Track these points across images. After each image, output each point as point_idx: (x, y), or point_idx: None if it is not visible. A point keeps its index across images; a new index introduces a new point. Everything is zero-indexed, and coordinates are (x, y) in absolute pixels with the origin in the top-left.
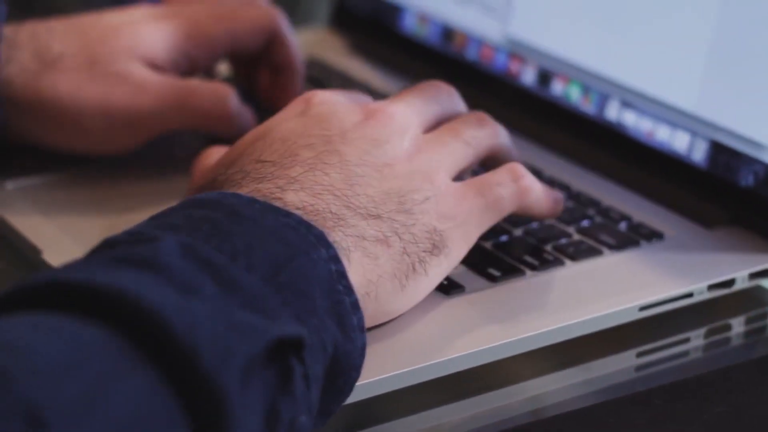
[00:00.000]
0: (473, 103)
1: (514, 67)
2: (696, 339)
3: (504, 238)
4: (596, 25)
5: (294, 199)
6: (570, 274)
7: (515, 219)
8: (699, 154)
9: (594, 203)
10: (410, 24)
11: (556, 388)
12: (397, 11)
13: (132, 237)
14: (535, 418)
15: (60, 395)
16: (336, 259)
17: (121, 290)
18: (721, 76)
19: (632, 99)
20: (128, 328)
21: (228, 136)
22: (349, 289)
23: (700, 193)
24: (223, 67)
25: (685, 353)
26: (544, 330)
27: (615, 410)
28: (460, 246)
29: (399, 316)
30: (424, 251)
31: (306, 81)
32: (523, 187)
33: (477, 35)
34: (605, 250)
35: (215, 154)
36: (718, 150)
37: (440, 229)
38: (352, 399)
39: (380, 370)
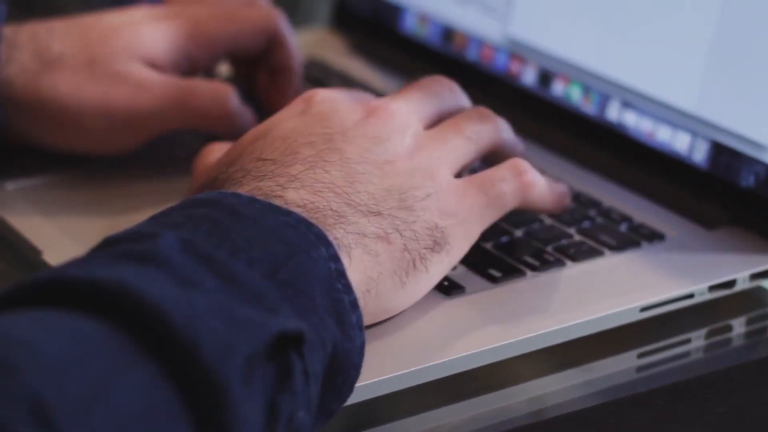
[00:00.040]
0: (474, 103)
1: (514, 67)
2: (697, 340)
3: (505, 238)
4: (597, 25)
5: (295, 197)
6: (571, 274)
7: (516, 219)
8: (700, 154)
9: (595, 204)
10: (410, 24)
11: (556, 389)
12: (397, 11)
13: (132, 235)
14: (535, 419)
15: (64, 390)
16: (335, 258)
17: (121, 284)
18: (721, 76)
19: (633, 99)
20: (128, 322)
21: (228, 136)
22: (348, 288)
23: (701, 194)
24: (224, 68)
25: (686, 354)
26: (544, 331)
27: (616, 411)
28: (461, 243)
29: (399, 316)
30: (425, 248)
31: (306, 81)
32: (526, 183)
33: (477, 35)
34: (606, 251)
35: (216, 150)
36: (718, 150)
37: (441, 226)
38: (352, 400)
39: (380, 371)
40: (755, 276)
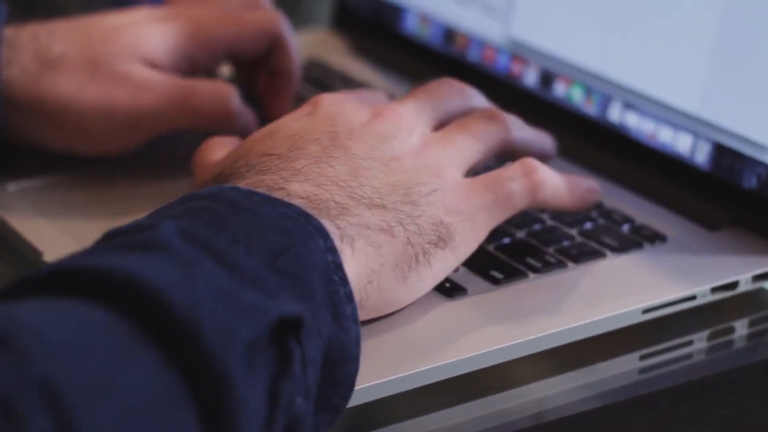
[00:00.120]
0: None
1: (516, 68)
2: (699, 341)
3: (506, 240)
4: (598, 26)
5: (298, 189)
6: (573, 276)
7: (516, 220)
8: (702, 155)
9: (596, 205)
10: (411, 25)
11: (558, 391)
12: (398, 12)
13: (132, 227)
14: (537, 421)
15: (75, 374)
16: (333, 250)
17: (123, 271)
18: (723, 77)
19: (635, 100)
20: (131, 309)
21: (230, 135)
22: (344, 280)
23: (703, 195)
24: (226, 69)
25: (689, 356)
26: (546, 333)
27: (618, 413)
28: (468, 241)
29: (401, 317)
30: (428, 243)
31: (307, 82)
32: (536, 182)
33: (479, 36)
34: (608, 253)
35: (217, 145)
36: (720, 152)
37: (447, 222)
38: (353, 402)
39: (382, 374)
40: (758, 277)
